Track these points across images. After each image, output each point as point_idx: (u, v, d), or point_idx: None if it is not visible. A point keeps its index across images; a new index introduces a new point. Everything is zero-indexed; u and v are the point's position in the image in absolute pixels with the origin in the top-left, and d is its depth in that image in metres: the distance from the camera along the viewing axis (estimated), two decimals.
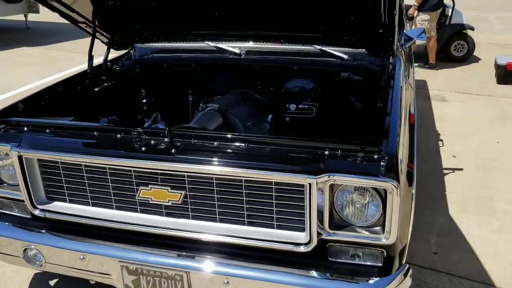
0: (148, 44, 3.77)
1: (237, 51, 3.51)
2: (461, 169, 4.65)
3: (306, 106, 3.24)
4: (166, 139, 2.24)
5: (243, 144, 2.20)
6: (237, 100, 3.37)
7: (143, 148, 2.25)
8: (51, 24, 13.14)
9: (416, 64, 8.39)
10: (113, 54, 3.71)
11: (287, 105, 3.27)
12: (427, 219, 3.80)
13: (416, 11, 8.06)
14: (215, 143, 2.23)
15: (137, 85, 3.58)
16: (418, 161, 2.55)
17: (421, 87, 7.43)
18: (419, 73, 8.21)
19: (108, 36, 3.53)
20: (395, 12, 2.51)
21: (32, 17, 13.03)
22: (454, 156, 4.99)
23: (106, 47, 3.60)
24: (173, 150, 2.20)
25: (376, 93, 2.83)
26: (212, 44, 3.57)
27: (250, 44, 3.52)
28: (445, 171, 4.63)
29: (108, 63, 3.61)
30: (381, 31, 2.78)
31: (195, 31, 3.56)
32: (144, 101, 3.59)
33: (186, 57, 3.65)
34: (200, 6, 3.31)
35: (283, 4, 3.11)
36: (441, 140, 5.38)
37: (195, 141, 2.27)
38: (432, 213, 3.90)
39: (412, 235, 2.29)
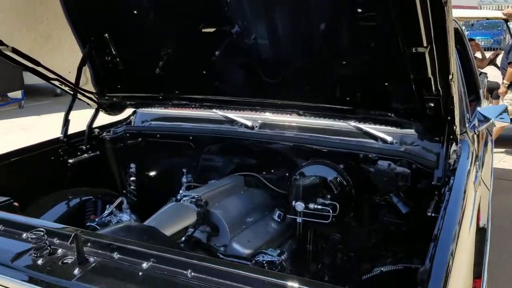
0: (149, 109, 3.09)
1: (249, 123, 2.73)
2: None
3: (319, 207, 2.29)
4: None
5: (185, 272, 1.37)
6: (234, 188, 2.52)
7: (38, 262, 1.48)
8: None
9: (503, 150, 7.21)
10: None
11: (293, 204, 2.33)
12: None
13: (508, 89, 6.91)
14: (145, 264, 1.42)
15: (118, 161, 2.86)
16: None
17: (508, 178, 6.17)
18: (506, 160, 6.95)
19: (93, 97, 2.86)
20: (451, 77, 1.59)
21: None
22: None
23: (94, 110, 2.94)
24: (76, 271, 1.41)
25: (426, 197, 1.91)
26: (220, 113, 2.82)
27: (266, 116, 2.73)
28: None
29: (96, 130, 2.96)
30: (432, 104, 1.86)
31: (201, 96, 2.80)
32: (132, 178, 2.86)
33: (185, 128, 2.90)
34: (210, 69, 2.58)
35: (307, 69, 2.32)
36: None
37: (117, 256, 1.47)
38: None
39: None
